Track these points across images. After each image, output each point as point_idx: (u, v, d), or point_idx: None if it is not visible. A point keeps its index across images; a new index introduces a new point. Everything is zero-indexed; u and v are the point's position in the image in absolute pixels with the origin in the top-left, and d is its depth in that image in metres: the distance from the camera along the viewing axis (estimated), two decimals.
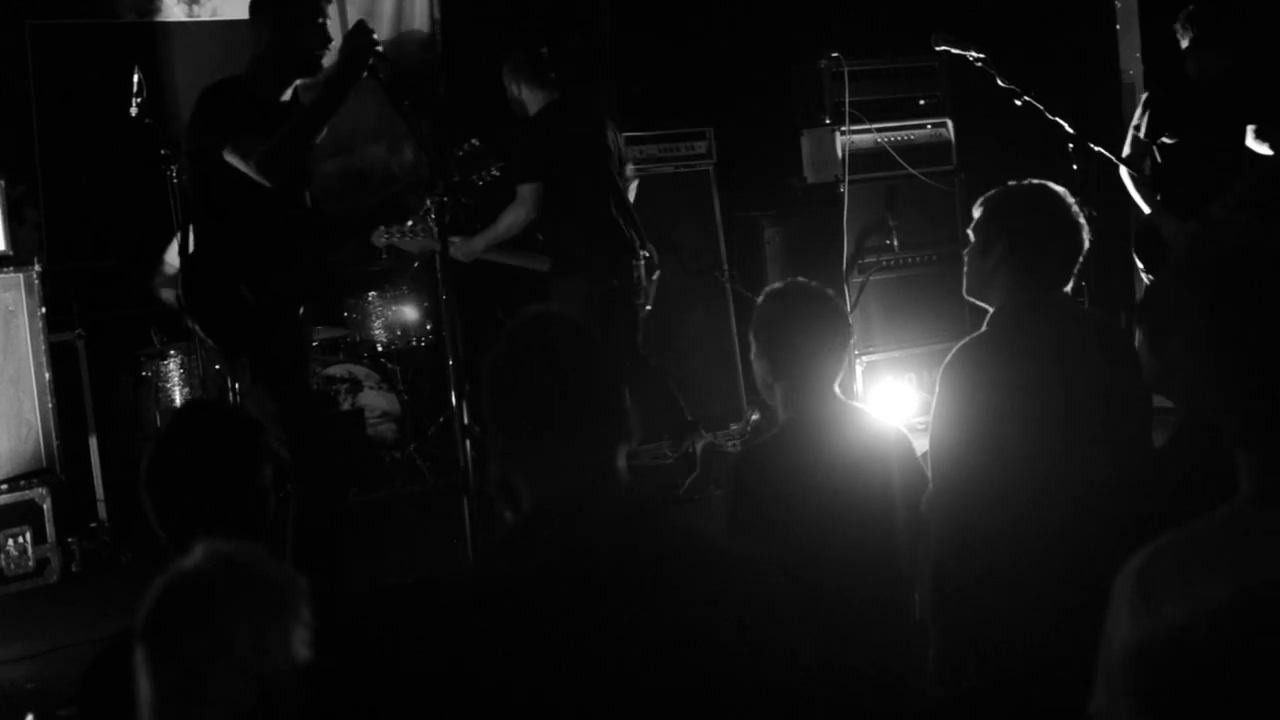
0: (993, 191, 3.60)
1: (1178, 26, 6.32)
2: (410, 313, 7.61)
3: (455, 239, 6.46)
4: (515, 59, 6.54)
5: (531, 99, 6.50)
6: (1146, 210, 6.36)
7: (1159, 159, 6.36)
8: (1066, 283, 3.53)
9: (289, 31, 4.79)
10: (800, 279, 3.44)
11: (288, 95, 4.90)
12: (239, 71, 4.88)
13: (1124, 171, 6.35)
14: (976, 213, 3.58)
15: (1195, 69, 6.31)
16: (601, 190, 6.49)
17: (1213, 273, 1.82)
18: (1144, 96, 6.44)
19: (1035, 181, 3.61)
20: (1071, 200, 3.54)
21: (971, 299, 3.65)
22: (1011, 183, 3.62)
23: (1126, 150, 6.43)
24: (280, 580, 2.07)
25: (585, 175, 6.46)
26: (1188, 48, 6.31)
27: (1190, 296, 1.83)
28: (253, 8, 4.88)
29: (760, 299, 3.42)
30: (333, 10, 5.09)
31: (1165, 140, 6.33)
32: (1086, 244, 3.52)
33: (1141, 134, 6.39)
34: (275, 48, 4.82)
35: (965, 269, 3.62)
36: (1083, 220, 3.53)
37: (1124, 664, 1.31)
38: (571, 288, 6.43)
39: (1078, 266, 3.53)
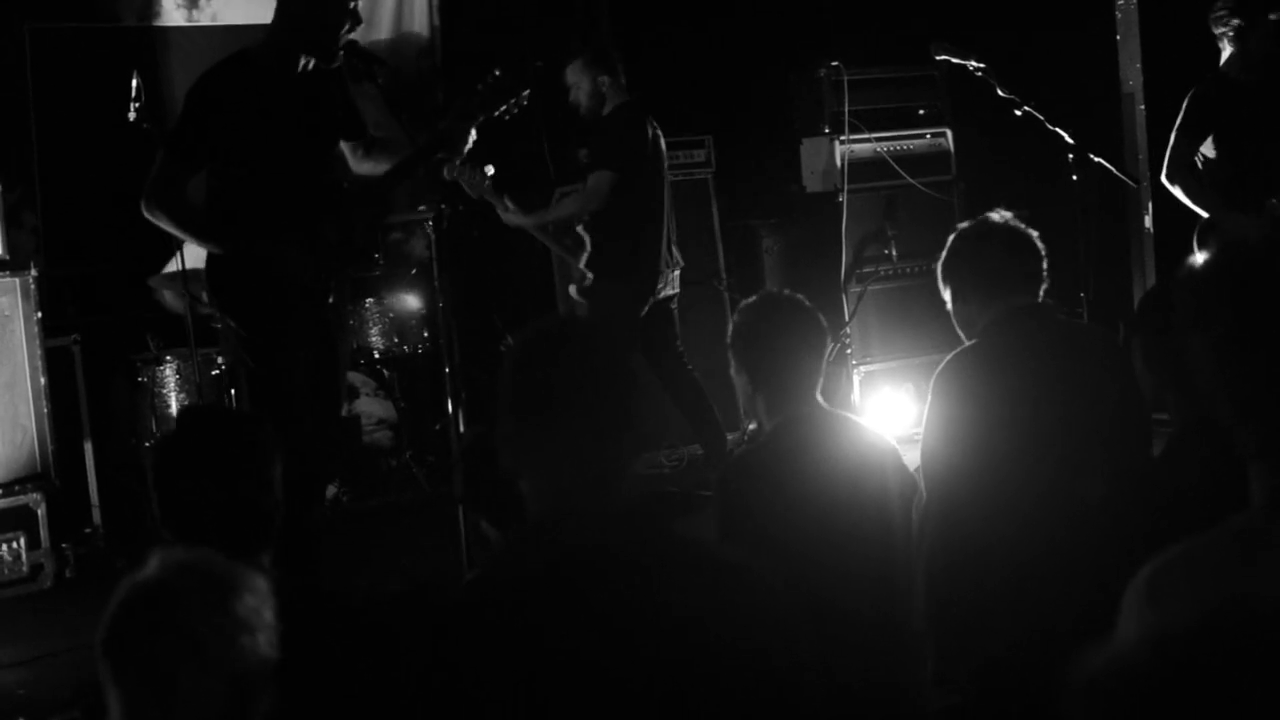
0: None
1: (1215, 20, 6.14)
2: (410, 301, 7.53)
3: (510, 205, 6.47)
4: (591, 54, 6.52)
5: (613, 93, 6.46)
6: (1204, 214, 6.13)
7: (1209, 159, 6.18)
8: (1036, 291, 3.61)
9: (315, 8, 4.72)
10: (773, 289, 3.49)
11: (310, 65, 4.79)
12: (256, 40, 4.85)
13: (1176, 188, 6.19)
14: (938, 272, 3.72)
15: (1239, 64, 6.14)
16: (660, 199, 6.47)
17: (1226, 283, 1.80)
18: (1187, 99, 6.21)
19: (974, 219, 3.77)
20: (1008, 215, 3.70)
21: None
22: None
23: (1170, 159, 6.23)
24: (241, 582, 2.06)
25: (654, 180, 6.44)
26: (1234, 40, 6.13)
27: (1203, 306, 1.81)
28: None
29: (735, 314, 3.45)
30: None
31: (1208, 146, 6.17)
32: (1041, 248, 3.65)
33: (1186, 138, 6.18)
34: (298, 17, 4.73)
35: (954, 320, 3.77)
36: (1025, 228, 3.67)
37: (1078, 684, 1.26)
38: (615, 292, 6.39)
39: (1044, 271, 3.64)
